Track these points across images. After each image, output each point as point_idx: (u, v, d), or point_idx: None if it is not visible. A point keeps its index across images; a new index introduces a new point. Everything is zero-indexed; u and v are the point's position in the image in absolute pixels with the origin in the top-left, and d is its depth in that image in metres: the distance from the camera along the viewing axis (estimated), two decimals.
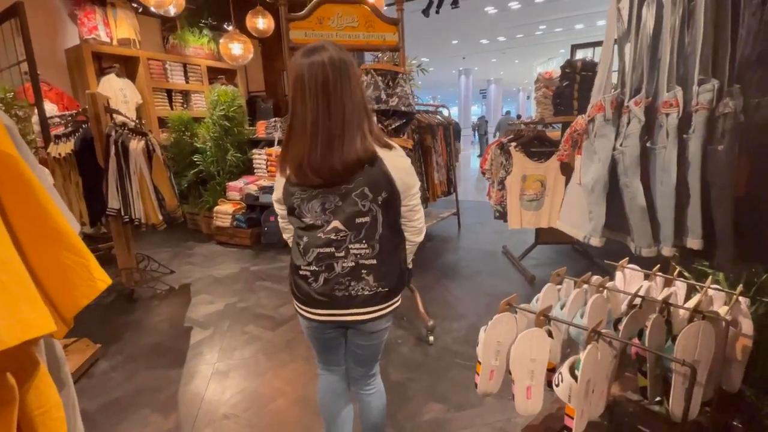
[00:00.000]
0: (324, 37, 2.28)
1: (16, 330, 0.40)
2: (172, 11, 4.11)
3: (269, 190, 4.41)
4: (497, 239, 4.33)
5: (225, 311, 2.94)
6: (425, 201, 4.51)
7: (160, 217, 3.09)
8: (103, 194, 2.95)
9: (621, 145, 1.22)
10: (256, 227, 4.48)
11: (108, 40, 5.05)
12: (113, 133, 3.00)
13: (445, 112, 5.35)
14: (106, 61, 5.06)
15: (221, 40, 4.70)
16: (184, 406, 1.97)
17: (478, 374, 1.30)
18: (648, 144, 1.21)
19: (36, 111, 3.37)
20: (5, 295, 0.40)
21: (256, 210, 4.53)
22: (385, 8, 4.29)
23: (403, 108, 2.30)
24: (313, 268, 1.13)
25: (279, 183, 1.16)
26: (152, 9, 4.19)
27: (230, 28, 5.01)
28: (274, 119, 4.92)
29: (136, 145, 3.02)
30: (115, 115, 3.14)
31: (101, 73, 5.00)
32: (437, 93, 23.56)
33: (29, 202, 0.47)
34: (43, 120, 3.36)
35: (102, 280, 0.54)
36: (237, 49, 4.60)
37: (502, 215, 3.23)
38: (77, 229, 0.63)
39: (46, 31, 4.86)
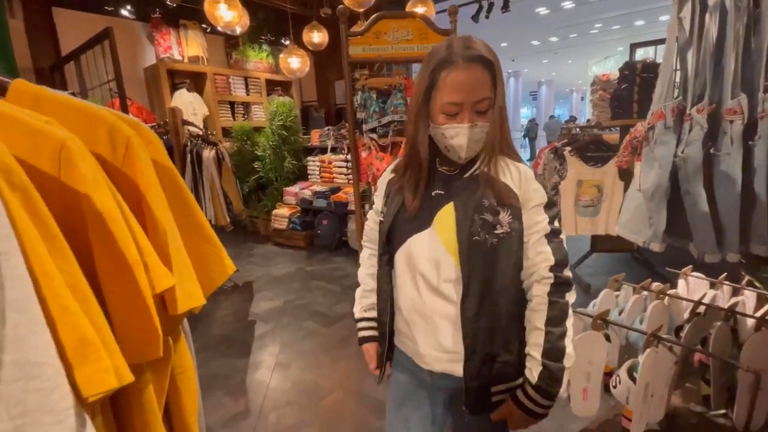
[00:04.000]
0: (380, 51, 2.41)
1: (186, 300, 0.53)
2: (238, 30, 4.46)
3: (322, 194, 4.64)
4: None
5: (284, 308, 3.15)
6: None
7: (228, 219, 3.38)
8: None
9: (682, 152, 1.21)
10: (310, 230, 4.71)
11: (180, 58, 5.55)
12: (189, 144, 3.33)
13: None
14: (178, 77, 5.54)
15: (281, 55, 5.01)
16: (252, 392, 2.15)
17: None
18: (711, 151, 1.19)
19: None
20: (180, 273, 0.54)
21: (309, 213, 4.78)
22: (435, 16, 4.38)
23: None
24: None
25: None
26: (220, 29, 4.59)
27: (288, 42, 5.33)
28: (327, 128, 5.16)
29: (208, 154, 3.34)
30: (189, 127, 3.48)
31: (174, 88, 5.50)
32: None
33: (183, 204, 0.60)
34: None
35: (230, 266, 0.67)
36: (295, 62, 4.89)
37: None
38: None
39: (127, 52, 5.42)
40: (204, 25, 5.63)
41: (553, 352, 0.83)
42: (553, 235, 0.85)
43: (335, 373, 2.30)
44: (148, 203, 0.51)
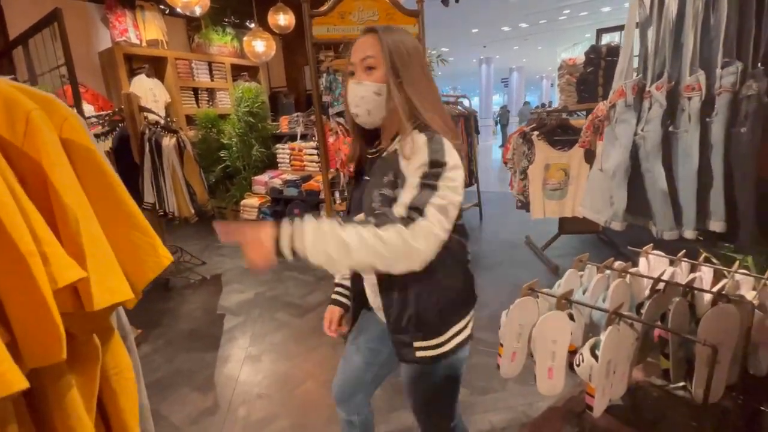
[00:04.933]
0: (345, 32, 2.33)
1: (105, 295, 0.48)
2: (198, 11, 4.23)
3: (293, 183, 4.53)
4: (520, 230, 4.31)
5: (255, 299, 3.07)
6: None
7: (192, 211, 3.24)
8: (139, 189, 3.12)
9: (642, 130, 1.22)
10: (281, 220, 4.60)
11: (138, 41, 5.23)
12: (147, 131, 3.15)
13: (466, 103, 5.33)
14: (137, 62, 5.23)
15: (245, 38, 4.81)
16: (221, 386, 2.09)
17: (500, 356, 1.34)
18: (670, 128, 1.21)
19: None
20: (97, 266, 0.48)
21: (280, 203, 4.67)
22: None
23: None
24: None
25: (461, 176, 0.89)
26: (179, 10, 4.34)
27: (252, 25, 5.12)
28: (296, 114, 5.02)
29: (168, 142, 3.17)
30: (147, 114, 3.29)
31: (132, 73, 5.19)
32: (457, 83, 23.25)
33: (106, 189, 0.53)
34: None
35: (166, 257, 0.61)
36: (260, 46, 4.70)
37: (525, 205, 3.22)
38: None
39: (80, 36, 5.08)
40: (162, 6, 5.32)
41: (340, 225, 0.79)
42: (423, 188, 0.81)
43: (307, 363, 2.26)
44: (53, 186, 0.45)
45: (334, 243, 0.77)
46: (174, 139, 3.22)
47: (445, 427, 1.15)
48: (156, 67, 5.37)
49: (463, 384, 2.02)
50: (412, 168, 0.84)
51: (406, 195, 0.82)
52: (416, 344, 0.96)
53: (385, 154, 0.93)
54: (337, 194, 2.83)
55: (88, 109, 4.44)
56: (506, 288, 3.03)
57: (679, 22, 1.15)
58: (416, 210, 0.80)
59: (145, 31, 5.30)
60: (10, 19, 4.44)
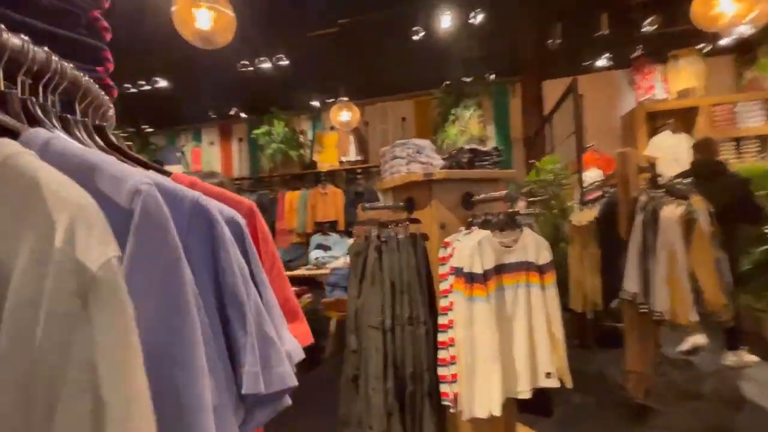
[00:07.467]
0: None
1: None
2: (747, 30, 2.95)
3: None
4: None
5: None
6: None
7: (692, 318, 2.09)
8: (619, 272, 2.41)
9: None
10: None
11: (665, 96, 4.66)
12: (644, 197, 2.40)
13: None
14: (661, 119, 4.65)
15: None
16: None
17: None
18: None
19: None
20: None
21: None
22: None
23: None
24: None
25: None
26: (724, 41, 3.27)
27: None
28: None
29: (671, 211, 2.25)
30: (649, 175, 2.53)
31: (654, 133, 4.61)
32: None
33: None
34: (579, 187, 3.38)
35: None
36: None
37: None
38: None
39: (602, 103, 5.24)
40: (703, 45, 4.35)
41: None
42: None
43: None
44: None
45: None
46: (681, 209, 2.25)
47: None
48: (685, 120, 4.47)
49: None
50: None
51: None
52: None
53: None
54: None
55: (597, 174, 4.26)
56: None
57: None
58: None
59: (675, 82, 4.59)
60: (546, 103, 5.15)
